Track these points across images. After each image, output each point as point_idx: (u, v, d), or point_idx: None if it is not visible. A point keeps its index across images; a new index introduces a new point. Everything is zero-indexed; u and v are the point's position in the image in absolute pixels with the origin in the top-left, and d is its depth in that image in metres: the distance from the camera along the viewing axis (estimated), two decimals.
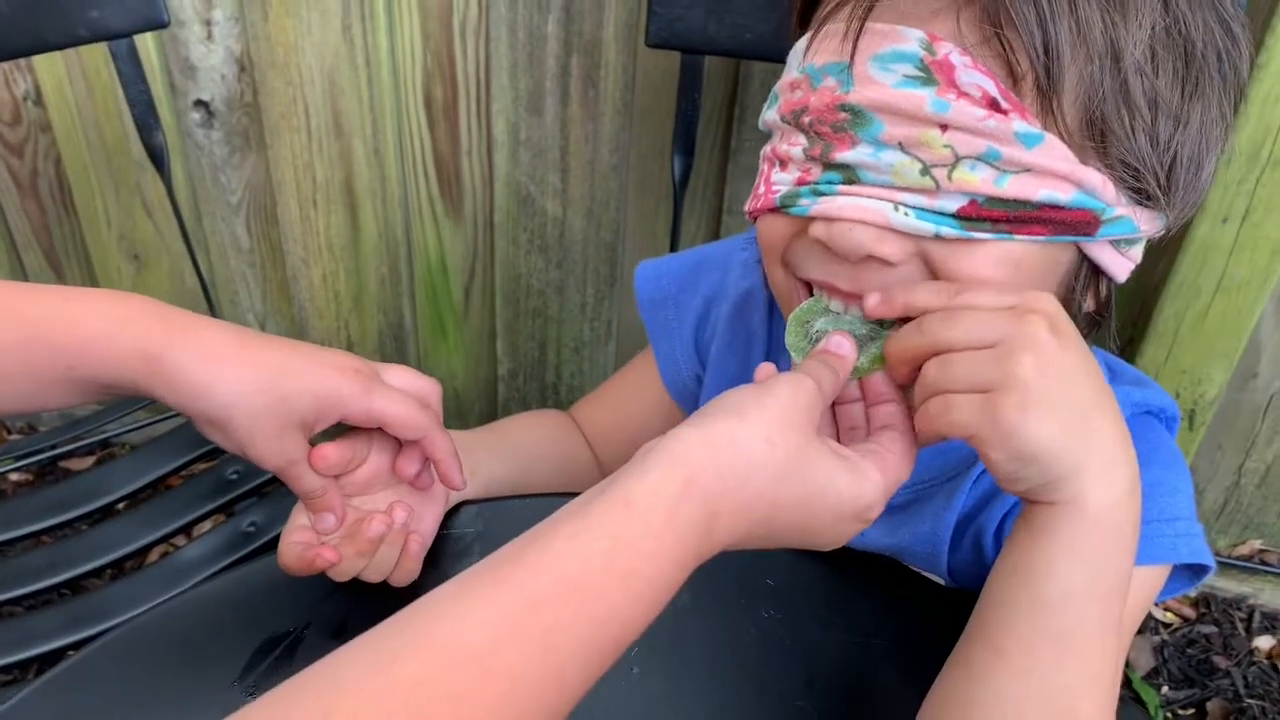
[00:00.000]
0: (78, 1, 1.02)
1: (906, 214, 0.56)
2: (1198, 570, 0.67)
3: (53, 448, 1.61)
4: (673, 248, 1.21)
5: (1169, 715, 1.47)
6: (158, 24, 1.07)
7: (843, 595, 0.66)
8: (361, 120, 1.40)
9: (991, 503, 0.68)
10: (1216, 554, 1.60)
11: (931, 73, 0.54)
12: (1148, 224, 0.60)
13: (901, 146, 0.56)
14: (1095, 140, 0.55)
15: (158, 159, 1.13)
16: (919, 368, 0.54)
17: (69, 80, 1.43)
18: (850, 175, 0.57)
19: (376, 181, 1.45)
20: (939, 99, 0.54)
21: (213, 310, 1.26)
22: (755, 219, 0.64)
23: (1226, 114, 0.59)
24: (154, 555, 1.32)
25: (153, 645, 0.63)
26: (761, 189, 0.62)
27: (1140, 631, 1.55)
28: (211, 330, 0.59)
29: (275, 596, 0.65)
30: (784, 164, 0.61)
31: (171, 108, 1.43)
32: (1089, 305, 0.63)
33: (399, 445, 0.67)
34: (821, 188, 0.58)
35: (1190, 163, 0.58)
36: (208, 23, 1.37)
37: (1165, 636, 1.55)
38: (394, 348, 1.63)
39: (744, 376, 0.76)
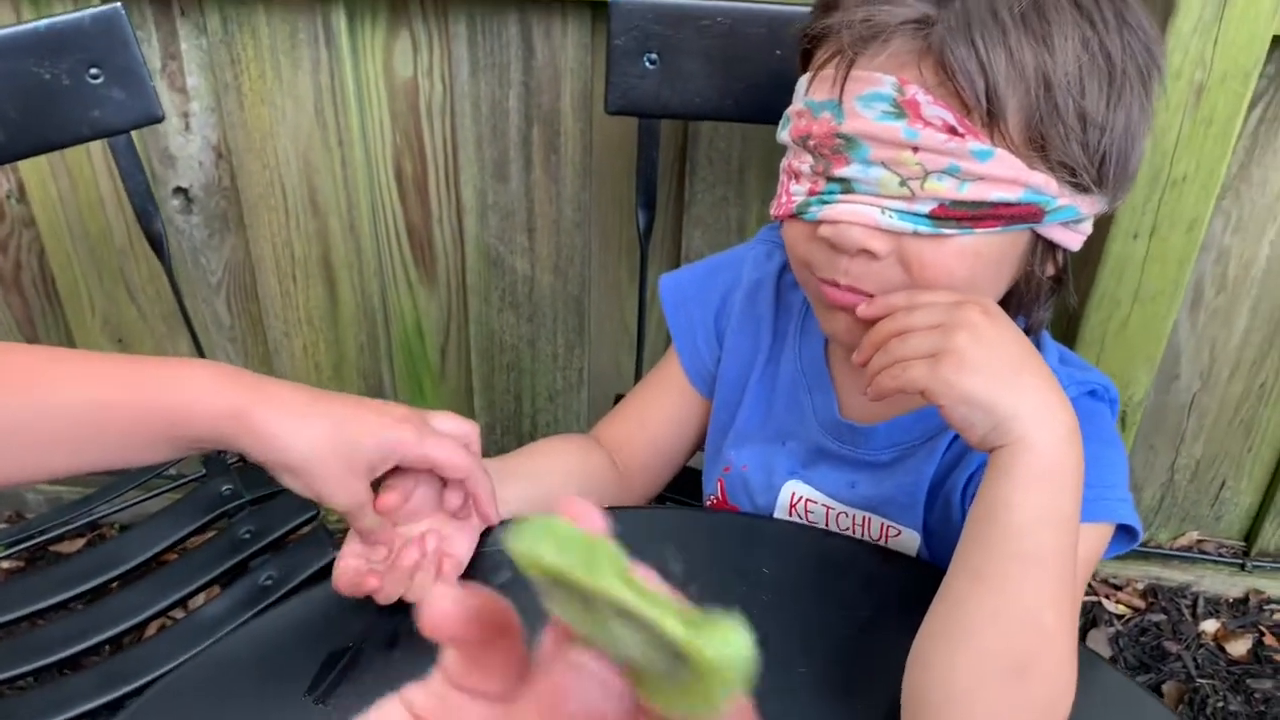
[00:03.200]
0: (80, 104, 1.11)
1: (891, 216, 0.71)
2: (1131, 535, 0.78)
3: (42, 533, 1.65)
4: (640, 295, 1.31)
5: None
6: (154, 119, 1.15)
7: (829, 577, 0.75)
8: (336, 197, 1.49)
9: (959, 466, 0.79)
10: (1159, 547, 1.72)
11: (903, 109, 0.69)
12: (1089, 207, 0.75)
13: (884, 165, 0.71)
14: (1037, 149, 0.70)
15: (158, 245, 1.21)
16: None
17: (52, 176, 1.51)
18: (847, 186, 0.72)
19: (352, 254, 1.54)
20: (910, 128, 0.69)
21: None
22: (780, 220, 0.79)
23: (1148, 113, 0.74)
24: (178, 615, 1.37)
25: (222, 671, 0.70)
26: (784, 197, 0.77)
27: (1095, 625, 1.66)
28: (286, 390, 0.69)
29: (333, 618, 0.72)
30: (797, 177, 0.76)
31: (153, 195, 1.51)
32: (1049, 271, 0.78)
33: (443, 480, 0.76)
34: (826, 197, 0.73)
35: (1119, 158, 0.73)
36: (185, 114, 1.46)
37: (1119, 627, 1.66)
38: None
39: (754, 355, 0.92)
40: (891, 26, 0.69)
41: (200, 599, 1.21)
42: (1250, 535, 1.71)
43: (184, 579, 1.18)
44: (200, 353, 1.30)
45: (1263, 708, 1.55)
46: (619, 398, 1.41)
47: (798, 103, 0.76)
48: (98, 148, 1.46)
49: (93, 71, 1.11)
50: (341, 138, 1.44)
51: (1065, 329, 1.37)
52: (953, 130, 0.68)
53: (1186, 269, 1.28)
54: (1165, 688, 1.58)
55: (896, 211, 0.71)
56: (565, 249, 1.51)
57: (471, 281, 1.55)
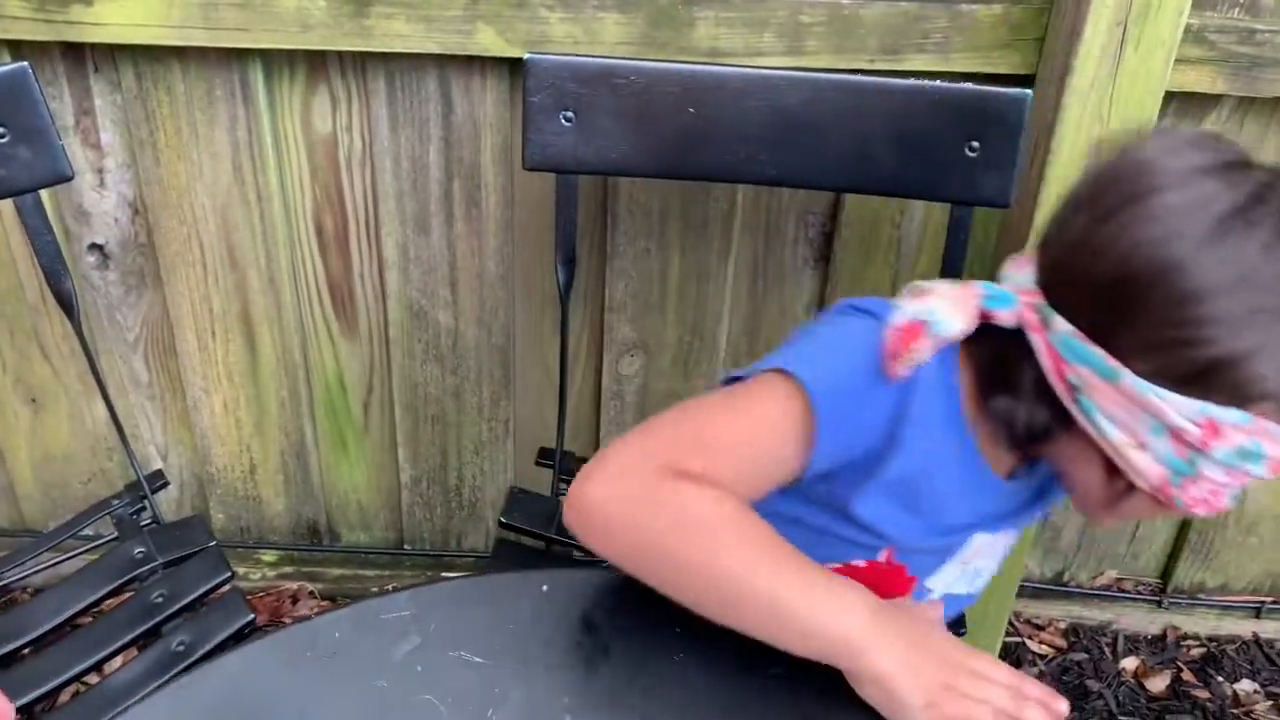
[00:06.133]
0: None
1: None
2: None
3: None
4: (562, 349, 1.32)
5: None
6: (62, 178, 1.14)
7: (739, 635, 0.75)
8: (255, 252, 1.48)
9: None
10: (1079, 586, 1.76)
11: None
12: None
13: None
14: None
15: (67, 305, 1.19)
16: None
17: None
18: None
19: (272, 308, 1.53)
20: None
21: (125, 444, 1.30)
22: (1135, 487, 0.77)
23: None
24: (92, 680, 1.33)
25: None
26: (1211, 499, 0.75)
27: (1020, 665, 1.68)
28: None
29: (254, 682, 0.71)
30: (1218, 492, 0.76)
31: (67, 252, 1.48)
32: None
33: None
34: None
35: None
36: (100, 170, 1.44)
37: (1042, 667, 1.69)
38: (297, 466, 1.69)
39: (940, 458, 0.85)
40: None
41: (115, 662, 1.18)
42: (1166, 573, 1.75)
43: (96, 644, 1.15)
44: (112, 412, 1.28)
45: None
46: (544, 450, 1.42)
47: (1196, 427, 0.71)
48: (7, 203, 1.43)
49: None
50: (260, 193, 1.43)
51: None
52: None
53: None
54: None
55: None
56: (489, 301, 1.51)
57: (394, 335, 1.54)
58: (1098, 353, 0.72)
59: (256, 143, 1.40)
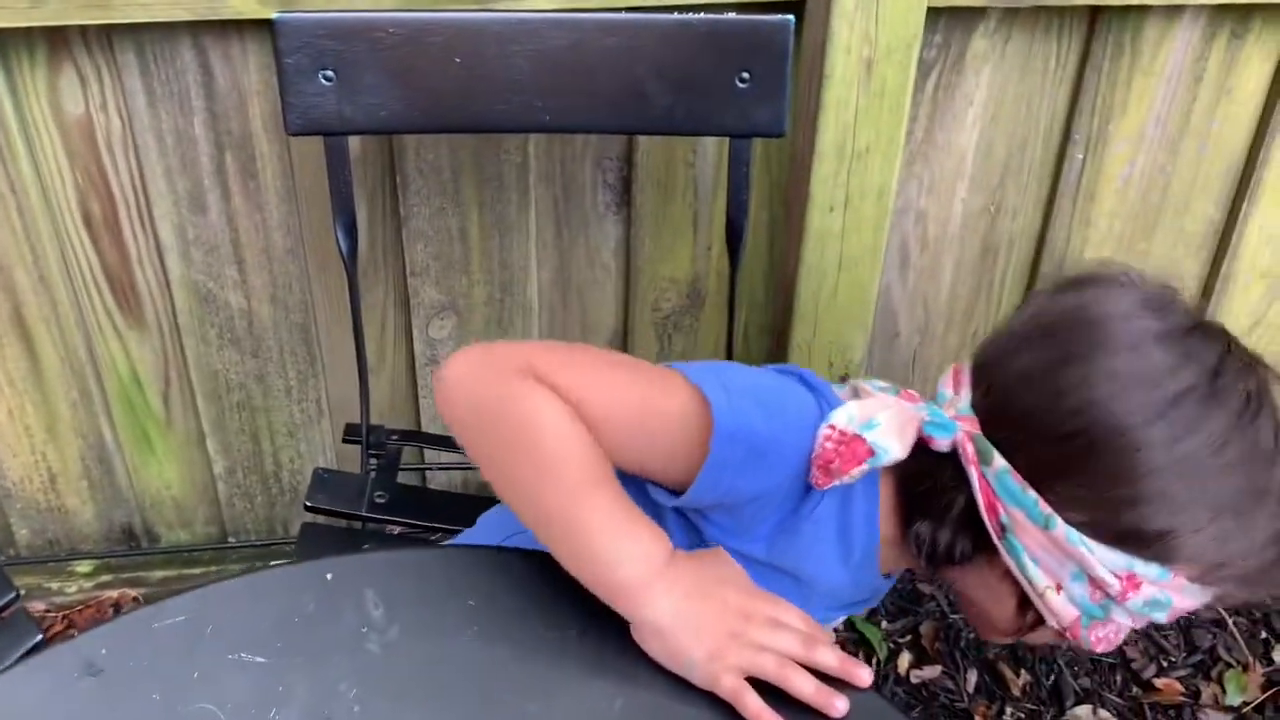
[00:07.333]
0: None
1: None
2: None
3: None
4: (355, 318, 1.27)
5: (891, 645, 1.65)
6: None
7: (536, 599, 0.74)
8: (19, 248, 1.37)
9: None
10: None
11: None
12: None
13: None
14: None
15: None
16: None
17: None
18: None
19: (47, 306, 1.43)
20: None
21: None
22: (1061, 631, 0.78)
23: None
24: None
25: None
26: (1107, 638, 0.78)
27: None
28: None
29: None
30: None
31: None
32: None
33: None
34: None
35: None
36: None
37: None
38: (101, 470, 1.60)
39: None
40: None
41: None
42: None
43: None
44: None
45: None
46: (350, 427, 1.37)
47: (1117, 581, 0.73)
48: None
49: None
50: (14, 185, 1.33)
51: (784, 303, 1.42)
52: None
53: (882, 235, 1.34)
54: (922, 628, 1.67)
55: None
56: (280, 277, 1.44)
57: (185, 322, 1.46)
58: (1034, 498, 0.72)
59: (1, 131, 1.29)
